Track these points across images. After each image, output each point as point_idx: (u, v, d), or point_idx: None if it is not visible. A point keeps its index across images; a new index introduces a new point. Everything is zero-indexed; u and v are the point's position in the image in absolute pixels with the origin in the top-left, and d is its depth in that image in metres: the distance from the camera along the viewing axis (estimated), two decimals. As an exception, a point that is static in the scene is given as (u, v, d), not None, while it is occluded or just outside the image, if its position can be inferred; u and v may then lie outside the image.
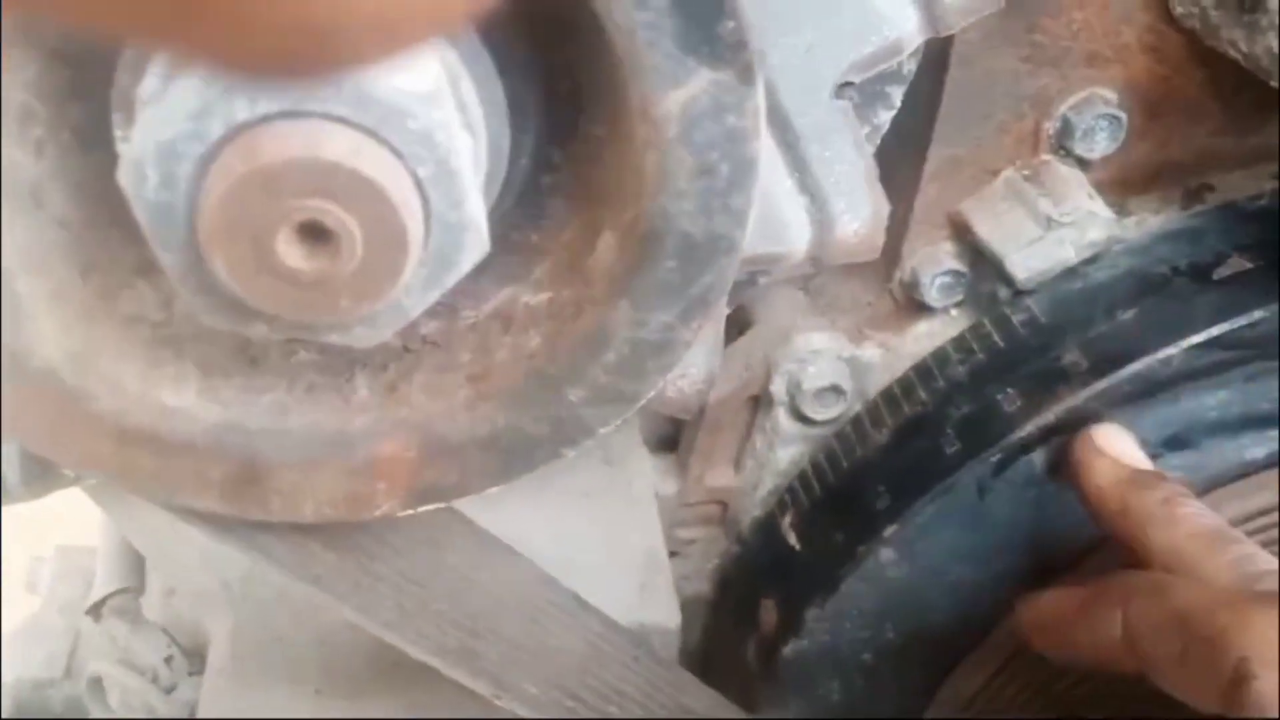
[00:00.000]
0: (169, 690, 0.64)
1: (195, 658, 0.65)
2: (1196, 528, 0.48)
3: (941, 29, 0.46)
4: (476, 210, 0.33)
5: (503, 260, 0.40)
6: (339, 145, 0.30)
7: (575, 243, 0.39)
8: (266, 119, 0.30)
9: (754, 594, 0.66)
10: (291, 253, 0.31)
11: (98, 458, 0.37)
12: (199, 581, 0.65)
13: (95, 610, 0.68)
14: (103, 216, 0.38)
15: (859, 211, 0.48)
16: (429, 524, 0.48)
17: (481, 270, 0.35)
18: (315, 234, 0.31)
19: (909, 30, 0.45)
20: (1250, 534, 0.56)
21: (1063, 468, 0.55)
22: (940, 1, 0.45)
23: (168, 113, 0.30)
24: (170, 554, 0.66)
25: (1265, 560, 0.45)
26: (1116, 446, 0.53)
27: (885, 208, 0.48)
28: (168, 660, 0.64)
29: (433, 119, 0.31)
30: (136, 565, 0.72)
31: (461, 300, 0.41)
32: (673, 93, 0.32)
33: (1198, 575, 0.46)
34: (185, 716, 0.62)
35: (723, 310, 0.44)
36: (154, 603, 0.70)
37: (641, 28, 0.31)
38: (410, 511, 0.40)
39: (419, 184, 0.31)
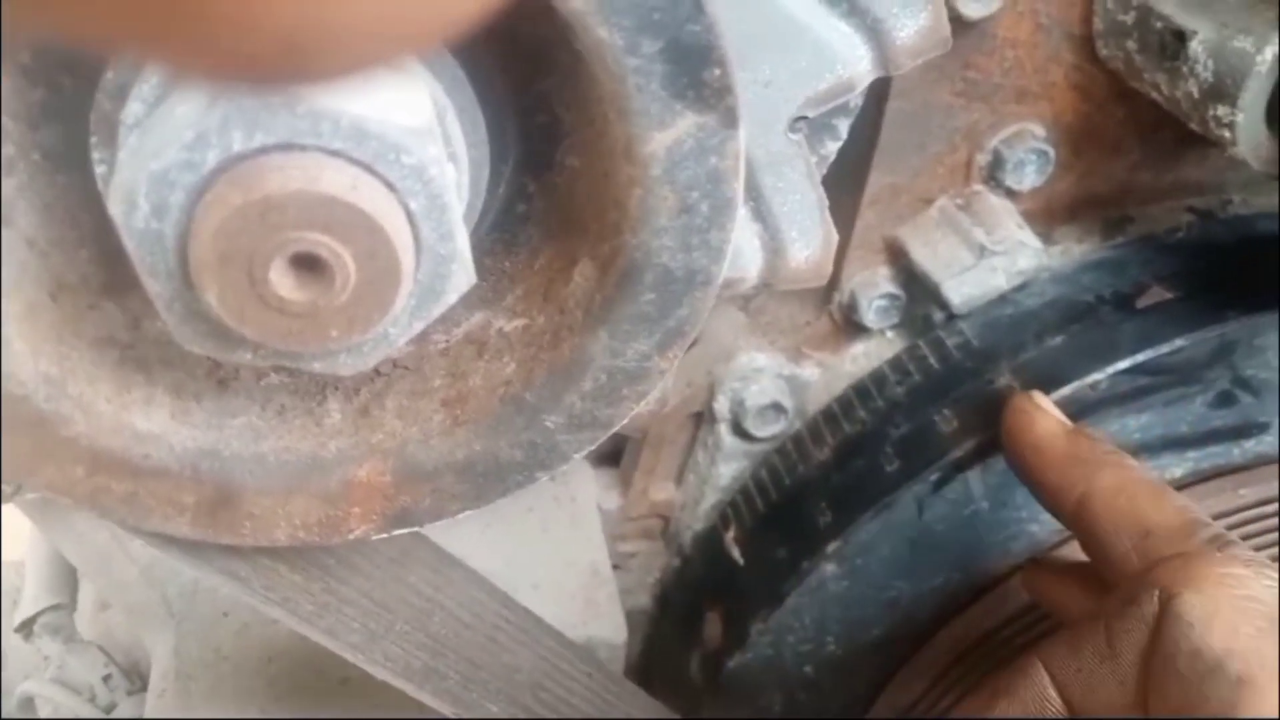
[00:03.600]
0: (107, 710, 0.62)
1: (133, 675, 0.64)
2: (1144, 474, 0.48)
3: (891, 69, 0.47)
4: (463, 242, 0.33)
5: (475, 285, 0.40)
6: (338, 179, 0.30)
7: (549, 271, 0.39)
8: (263, 150, 0.30)
9: (697, 607, 0.67)
10: (284, 283, 0.31)
11: (69, 483, 0.37)
12: (139, 597, 0.64)
13: (25, 627, 0.66)
14: (70, 237, 0.38)
15: (809, 240, 0.49)
16: (393, 543, 0.48)
17: (453, 296, 0.36)
18: (308, 265, 0.31)
19: (861, 69, 0.46)
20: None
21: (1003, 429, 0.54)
22: (891, 43, 0.46)
23: (160, 141, 0.30)
24: (109, 570, 0.65)
25: (1202, 513, 0.46)
26: (1053, 408, 0.53)
27: (834, 237, 0.49)
28: (105, 679, 0.63)
29: (427, 154, 0.31)
30: (68, 580, 0.70)
31: (433, 325, 0.41)
32: (658, 134, 0.33)
33: (1146, 516, 0.46)
34: (126, 737, 0.61)
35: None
36: (87, 619, 0.68)
37: (631, 73, 0.31)
38: (384, 535, 0.40)
39: (410, 217, 0.32)
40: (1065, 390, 0.56)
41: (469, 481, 0.39)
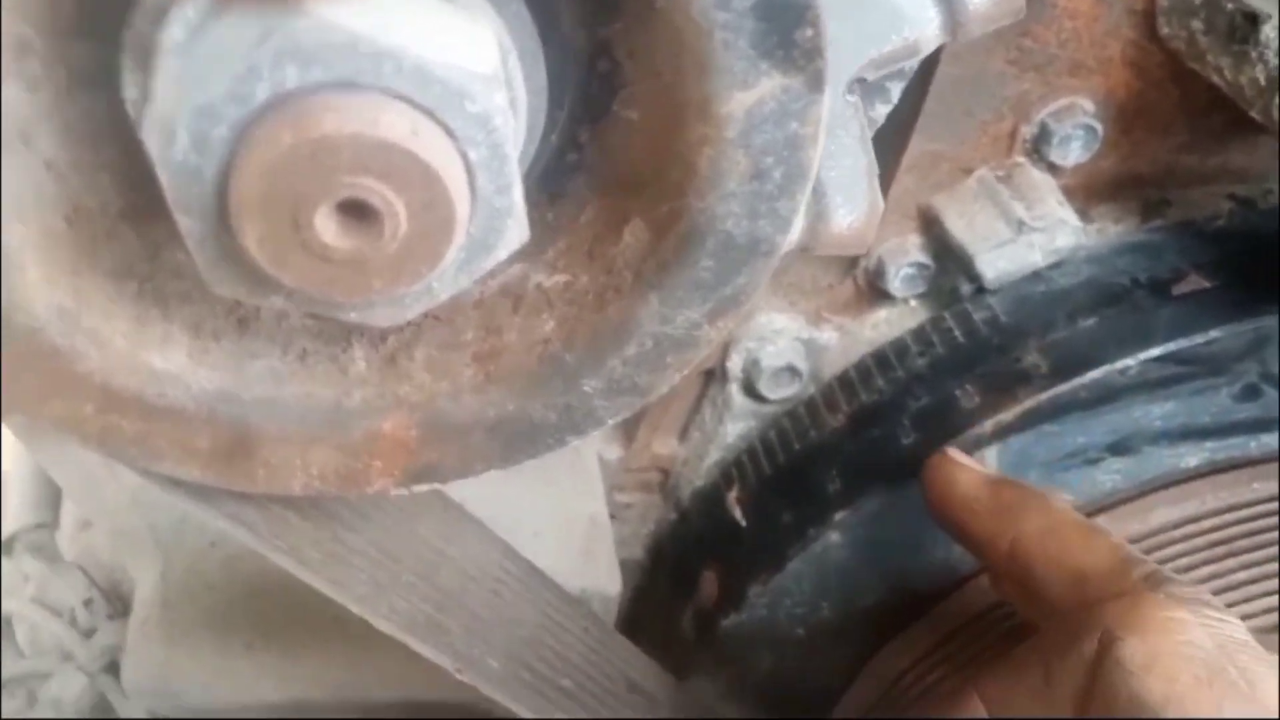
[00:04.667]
0: (87, 634, 0.60)
1: (115, 599, 0.62)
2: (1072, 515, 0.47)
3: (961, 35, 0.45)
4: (520, 196, 0.31)
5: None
6: (397, 124, 0.27)
7: (596, 227, 0.37)
8: (318, 87, 0.27)
9: (694, 564, 0.66)
10: (329, 229, 0.29)
11: (78, 420, 0.35)
12: (125, 523, 0.62)
13: (7, 545, 0.64)
14: (90, 160, 0.35)
15: (855, 206, 0.47)
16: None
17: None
18: (357, 212, 0.29)
19: (929, 33, 0.44)
20: (1179, 540, 0.59)
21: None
22: (964, 8, 0.44)
23: (204, 70, 0.28)
24: (96, 494, 0.63)
25: (1137, 551, 0.45)
26: (972, 462, 0.52)
27: (880, 205, 0.47)
28: (87, 603, 0.61)
29: (492, 102, 0.29)
30: (51, 498, 0.68)
31: (467, 274, 0.39)
32: (739, 94, 0.30)
33: (1076, 554, 0.45)
34: (104, 663, 0.59)
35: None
36: (68, 538, 0.66)
37: (719, 27, 0.29)
38: (404, 491, 0.38)
39: (469, 167, 0.29)
40: (1094, 373, 0.55)
41: (498, 441, 0.37)
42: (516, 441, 0.37)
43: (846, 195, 0.46)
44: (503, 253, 0.31)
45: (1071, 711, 0.41)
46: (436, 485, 0.38)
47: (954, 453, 0.52)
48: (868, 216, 0.47)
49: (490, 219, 0.31)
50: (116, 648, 0.59)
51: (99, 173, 0.35)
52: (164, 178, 0.29)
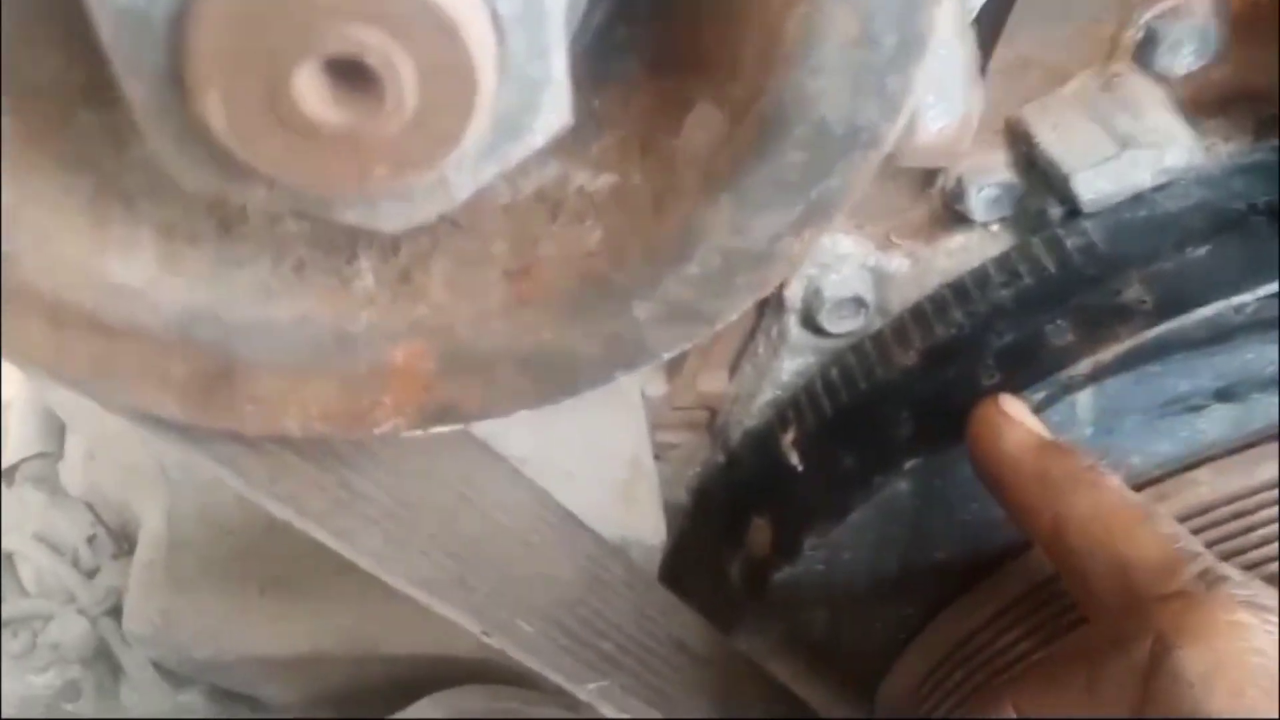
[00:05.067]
0: (90, 574, 0.55)
1: (121, 538, 0.56)
2: (1124, 496, 0.41)
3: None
4: (561, 65, 0.23)
5: (552, 133, 0.30)
6: (401, -49, 0.20)
7: (653, 116, 0.29)
8: (295, -98, 0.20)
9: (744, 511, 0.59)
10: (314, 96, 0.21)
11: (25, 342, 0.28)
12: (131, 455, 0.56)
13: (8, 475, 0.58)
14: (42, 31, 0.28)
15: (950, 108, 0.39)
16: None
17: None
18: (350, 74, 0.21)
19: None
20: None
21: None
22: None
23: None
24: (99, 421, 0.56)
25: (1194, 541, 0.40)
26: (1025, 416, 0.45)
27: (979, 108, 0.40)
28: (90, 540, 0.55)
29: (529, -70, 0.21)
30: (56, 426, 0.62)
31: (495, 175, 0.31)
32: (846, -71, 0.23)
33: (1123, 544, 0.39)
34: (107, 606, 0.53)
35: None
36: (74, 471, 0.60)
37: None
38: (419, 433, 0.31)
39: (497, 22, 0.22)
40: (1206, 310, 0.47)
41: (531, 376, 0.30)
42: (552, 376, 0.30)
43: (940, 94, 0.38)
44: (539, 138, 0.24)
45: None
46: (457, 426, 0.31)
47: (1006, 401, 0.46)
48: (963, 121, 0.39)
49: (522, 92, 0.23)
50: (121, 589, 0.54)
51: (53, 46, 0.28)
52: (102, 28, 0.22)
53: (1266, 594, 0.36)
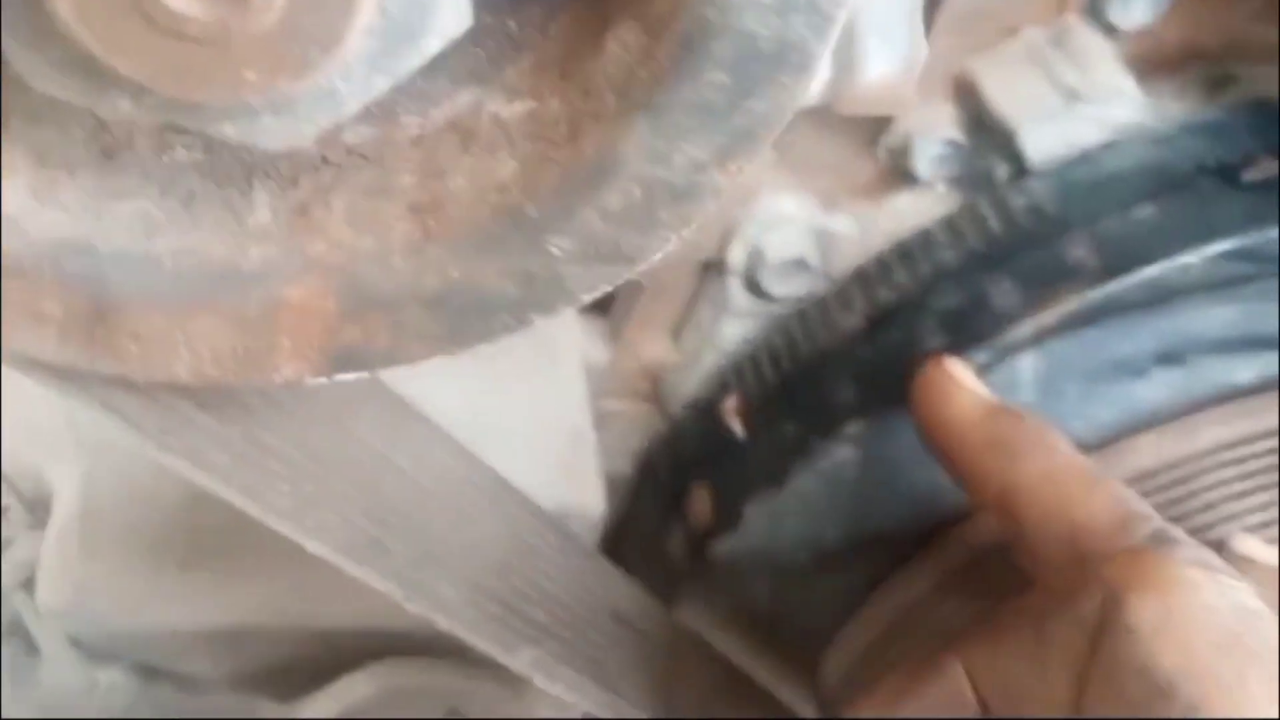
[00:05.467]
0: (3, 546, 0.52)
1: (36, 508, 0.53)
2: (1074, 460, 0.40)
3: None
4: (459, -40, 0.21)
5: (463, 52, 0.28)
6: None
7: (571, 37, 0.27)
8: None
9: (684, 480, 0.57)
10: (175, -15, 0.19)
11: (-125, 273, 0.25)
12: (41, 418, 0.52)
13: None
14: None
15: (892, 52, 0.37)
16: (337, 386, 0.37)
17: (433, 63, 0.24)
18: (214, -41, 0.19)
19: None
20: (1230, 462, 0.50)
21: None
22: None
23: None
24: (9, 388, 0.53)
25: (1144, 504, 0.38)
26: (969, 379, 0.44)
27: (923, 52, 0.38)
28: (3, 510, 0.52)
29: None
30: (-29, 395, 0.58)
31: (403, 102, 0.29)
32: None
33: (1074, 507, 0.38)
34: (20, 579, 0.50)
35: None
36: (-11, 439, 0.57)
37: None
38: (322, 380, 0.28)
39: (380, -99, 0.19)
40: (1151, 270, 0.46)
41: (440, 317, 0.28)
42: (464, 318, 0.28)
43: (883, 37, 0.37)
44: (434, 42, 0.22)
45: (1069, 682, 0.34)
46: (365, 373, 0.29)
47: (951, 364, 0.44)
48: (907, 66, 0.38)
49: (415, -12, 0.21)
50: (34, 562, 0.51)
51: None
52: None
53: (1216, 558, 0.35)
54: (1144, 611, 0.33)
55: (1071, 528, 0.37)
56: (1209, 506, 0.49)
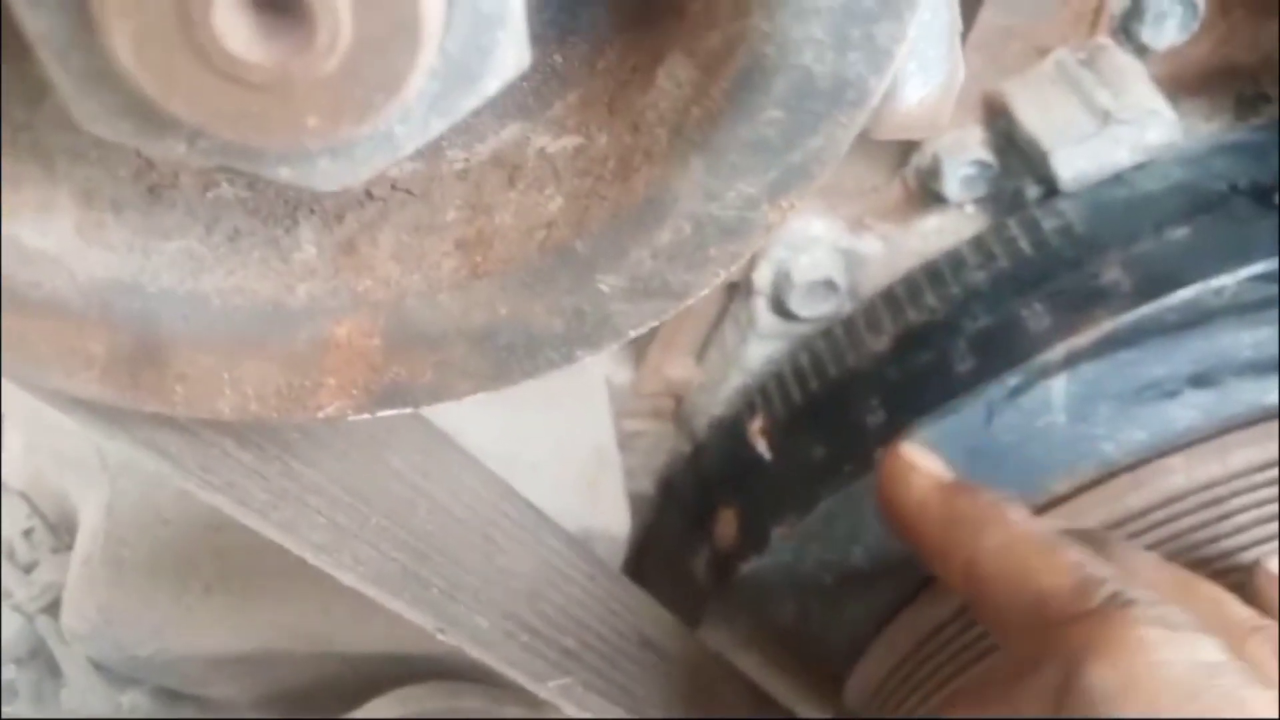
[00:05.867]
0: (27, 569, 0.51)
1: (61, 531, 0.53)
2: (1029, 529, 0.41)
3: None
4: (519, 2, 0.21)
5: (509, 87, 0.28)
6: None
7: (620, 71, 0.27)
8: None
9: (710, 502, 0.56)
10: (237, 30, 0.19)
11: (-80, 315, 0.25)
12: (68, 443, 0.52)
13: (-60, 467, 0.55)
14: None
15: (930, 75, 0.36)
16: (373, 420, 0.36)
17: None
18: (280, 6, 0.19)
19: None
20: (1261, 485, 0.49)
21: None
22: None
23: None
24: (33, 405, 0.53)
25: (1104, 567, 0.39)
26: (928, 461, 0.45)
27: (961, 75, 0.37)
28: (27, 533, 0.52)
29: None
30: (-8, 416, 0.58)
31: (448, 136, 0.28)
32: None
33: (1034, 575, 0.39)
34: (45, 603, 0.50)
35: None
36: (12, 461, 0.56)
37: None
38: (365, 416, 0.28)
39: (445, -53, 0.19)
40: (1185, 293, 0.45)
41: (487, 355, 0.28)
42: (510, 355, 0.28)
43: (922, 61, 0.36)
44: (493, 83, 0.21)
45: None
46: (407, 410, 0.28)
47: (909, 449, 0.45)
48: (944, 89, 0.37)
49: (475, 31, 0.20)
50: (58, 585, 0.50)
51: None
52: (-9, -51, 0.19)
53: (1177, 614, 0.36)
54: (1102, 674, 0.33)
55: (1033, 596, 0.38)
56: (1240, 529, 0.48)
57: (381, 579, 0.34)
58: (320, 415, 0.28)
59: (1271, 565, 0.44)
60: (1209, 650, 0.35)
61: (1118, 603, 0.36)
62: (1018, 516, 0.41)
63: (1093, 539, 0.43)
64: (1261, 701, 0.33)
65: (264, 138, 0.20)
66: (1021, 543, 0.40)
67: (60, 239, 0.25)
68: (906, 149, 0.50)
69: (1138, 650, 0.34)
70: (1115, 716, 0.33)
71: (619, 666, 0.45)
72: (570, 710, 0.41)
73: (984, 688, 0.39)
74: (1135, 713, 0.33)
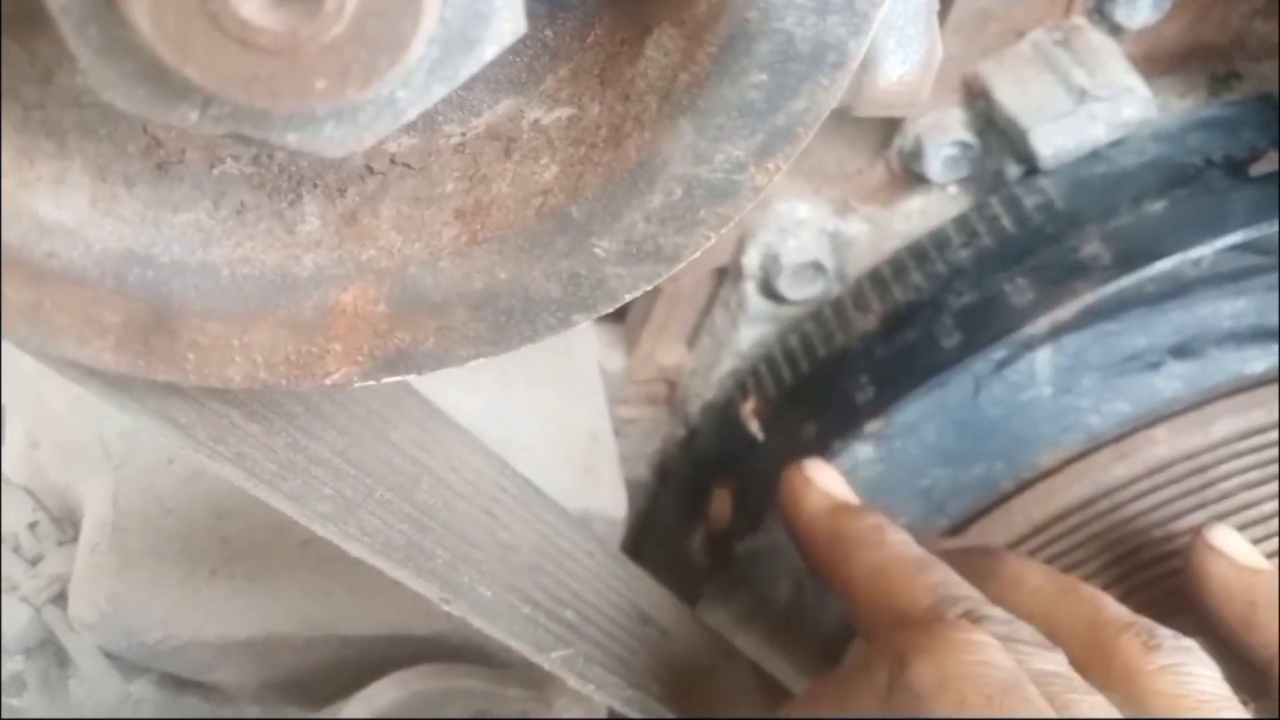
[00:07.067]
0: (33, 562, 0.52)
1: (65, 524, 0.53)
2: (902, 552, 0.43)
3: None
4: (513, -30, 0.22)
5: (501, 62, 0.29)
6: None
7: (611, 44, 0.28)
8: None
9: (705, 482, 0.58)
10: (249, -2, 0.20)
11: (-57, 285, 0.26)
12: (70, 434, 0.53)
13: (-56, 463, 0.55)
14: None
15: (909, 53, 0.38)
16: (375, 393, 0.37)
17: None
18: (287, -27, 0.20)
19: None
20: (1244, 453, 0.51)
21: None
22: None
23: None
24: (34, 398, 0.54)
25: (964, 588, 0.41)
26: (825, 479, 0.47)
27: (939, 52, 0.38)
28: (32, 526, 0.52)
29: None
30: (-5, 413, 0.59)
31: (444, 111, 0.30)
32: None
33: (895, 596, 0.41)
34: (52, 594, 0.51)
35: None
36: (14, 456, 0.57)
37: None
38: (371, 382, 0.29)
39: (443, -85, 0.20)
40: (1164, 264, 0.47)
41: (487, 319, 0.29)
42: (509, 320, 0.29)
43: (900, 39, 0.37)
44: (489, 49, 0.22)
45: None
46: (412, 375, 0.29)
47: (810, 465, 0.47)
48: (923, 67, 0.38)
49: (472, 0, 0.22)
50: (65, 577, 0.51)
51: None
52: (13, -77, 0.20)
53: (1024, 630, 0.38)
54: (923, 672, 0.35)
55: (897, 614, 0.40)
56: (1224, 496, 0.50)
57: (388, 550, 0.35)
58: (327, 381, 0.29)
59: (1214, 536, 0.44)
60: (1046, 663, 0.36)
61: (972, 617, 0.38)
62: (895, 539, 0.44)
63: (982, 554, 0.46)
64: (1085, 705, 0.34)
65: (274, 101, 0.21)
66: (893, 564, 0.42)
67: (76, 211, 0.26)
68: (889, 132, 0.52)
69: (957, 650, 0.35)
70: (930, 710, 0.34)
71: (619, 640, 0.46)
72: (571, 681, 0.42)
73: (822, 687, 0.41)
74: (946, 710, 0.34)
